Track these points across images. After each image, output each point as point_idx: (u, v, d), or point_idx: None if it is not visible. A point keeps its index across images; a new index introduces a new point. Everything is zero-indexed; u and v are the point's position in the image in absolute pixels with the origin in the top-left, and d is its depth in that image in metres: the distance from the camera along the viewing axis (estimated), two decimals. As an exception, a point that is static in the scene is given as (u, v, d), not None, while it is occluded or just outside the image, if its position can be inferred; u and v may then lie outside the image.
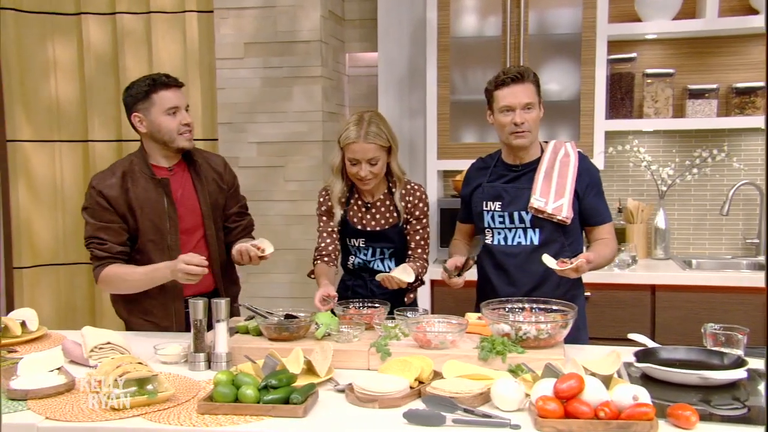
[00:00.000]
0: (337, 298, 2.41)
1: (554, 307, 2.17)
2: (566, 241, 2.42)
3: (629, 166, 3.83)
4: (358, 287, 2.69)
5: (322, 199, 2.69)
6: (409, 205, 2.64)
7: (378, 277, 2.47)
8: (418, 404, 1.70)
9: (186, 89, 3.75)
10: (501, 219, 2.45)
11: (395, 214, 2.64)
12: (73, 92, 3.96)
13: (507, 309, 2.20)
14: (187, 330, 2.13)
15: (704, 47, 3.71)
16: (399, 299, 2.60)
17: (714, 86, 3.61)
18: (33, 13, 3.86)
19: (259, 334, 2.19)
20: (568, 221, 2.38)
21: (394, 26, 4.00)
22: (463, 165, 3.69)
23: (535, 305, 2.20)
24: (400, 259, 2.67)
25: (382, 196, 2.65)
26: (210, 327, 2.08)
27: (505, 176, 2.48)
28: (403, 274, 2.42)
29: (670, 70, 3.65)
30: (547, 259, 2.22)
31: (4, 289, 3.90)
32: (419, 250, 2.65)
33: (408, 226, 2.65)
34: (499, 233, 2.47)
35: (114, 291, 2.55)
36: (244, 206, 2.77)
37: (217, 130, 3.85)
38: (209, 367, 2.05)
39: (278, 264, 3.79)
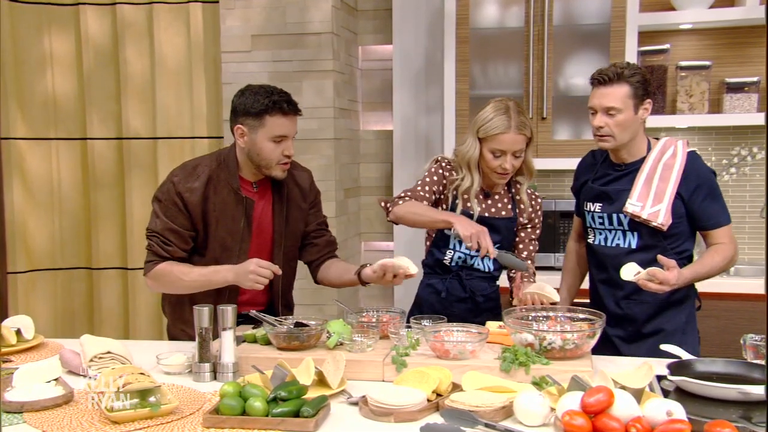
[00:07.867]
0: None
1: (581, 316, 2.17)
2: (669, 245, 2.42)
3: (662, 165, 3.81)
4: (454, 290, 2.65)
5: (441, 171, 2.61)
6: (538, 208, 2.68)
7: (520, 296, 2.44)
8: (436, 418, 1.71)
9: (199, 86, 3.81)
10: (601, 220, 2.51)
11: (510, 206, 2.65)
12: (70, 87, 3.99)
13: (530, 317, 2.20)
14: None
15: (744, 37, 3.69)
16: (496, 314, 2.60)
17: (754, 79, 3.59)
18: (28, 3, 3.89)
19: (268, 343, 2.21)
20: (665, 228, 2.38)
21: (410, 17, 4.01)
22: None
23: (560, 313, 2.20)
24: None
25: (501, 191, 2.66)
26: (216, 335, 2.09)
27: (608, 176, 2.52)
28: (550, 290, 2.42)
29: (706, 63, 3.64)
30: (626, 271, 2.24)
31: (-2, 295, 3.95)
32: (529, 261, 2.66)
33: (523, 232, 2.68)
34: (600, 233, 2.53)
35: (162, 289, 2.50)
36: (322, 223, 2.70)
37: (222, 127, 3.87)
38: (215, 378, 2.07)
39: (287, 269, 3.80)
